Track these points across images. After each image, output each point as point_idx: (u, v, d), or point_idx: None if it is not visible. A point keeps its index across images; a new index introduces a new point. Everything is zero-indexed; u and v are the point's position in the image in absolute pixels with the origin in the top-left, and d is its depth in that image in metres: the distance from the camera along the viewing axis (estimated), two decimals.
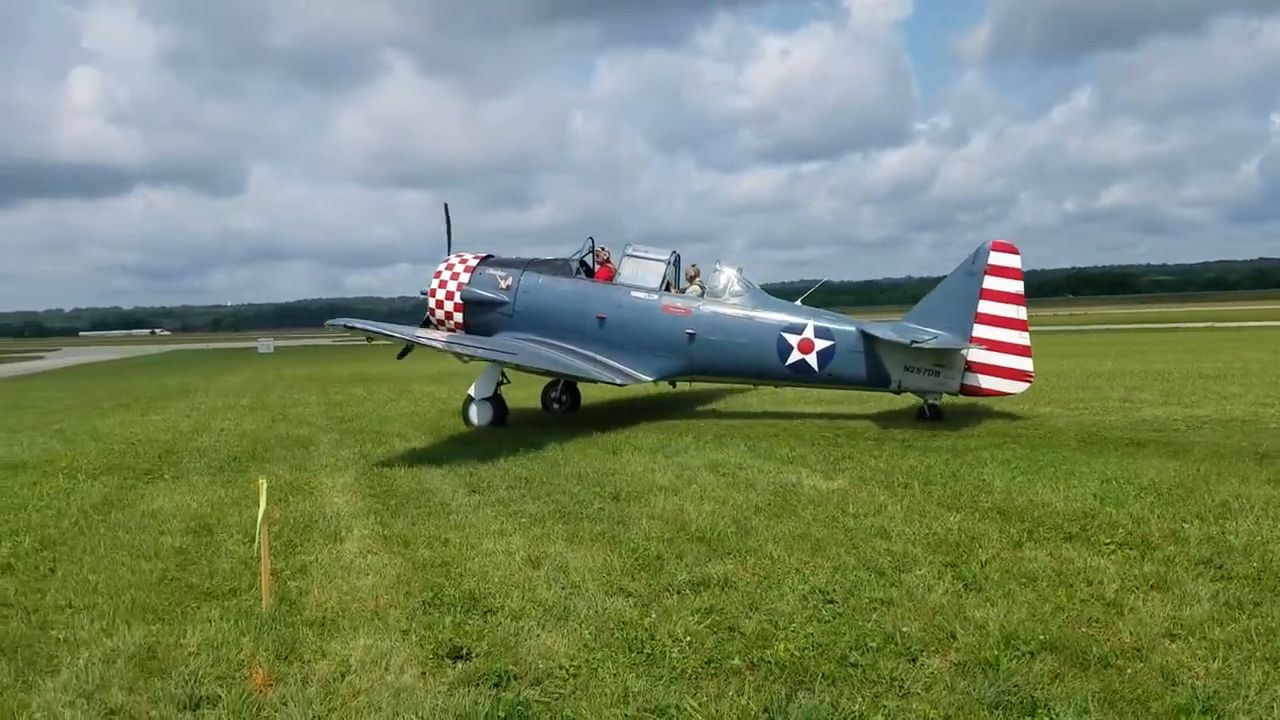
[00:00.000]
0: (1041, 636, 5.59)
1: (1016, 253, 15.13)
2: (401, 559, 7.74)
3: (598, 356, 16.67)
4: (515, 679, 5.21)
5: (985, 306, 15.01)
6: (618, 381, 16.55)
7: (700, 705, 4.86)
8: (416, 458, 13.06)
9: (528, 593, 6.68)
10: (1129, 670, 5.14)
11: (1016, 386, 15.25)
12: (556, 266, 17.73)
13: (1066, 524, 8.31)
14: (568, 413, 18.76)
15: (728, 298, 16.64)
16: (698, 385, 19.65)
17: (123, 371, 40.80)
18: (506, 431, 15.75)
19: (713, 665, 5.38)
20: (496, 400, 16.73)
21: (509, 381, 17.24)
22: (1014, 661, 5.28)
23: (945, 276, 16.64)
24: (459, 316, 17.85)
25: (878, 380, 15.75)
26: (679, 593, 6.66)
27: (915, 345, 14.82)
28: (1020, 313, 15.06)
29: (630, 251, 17.38)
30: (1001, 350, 14.96)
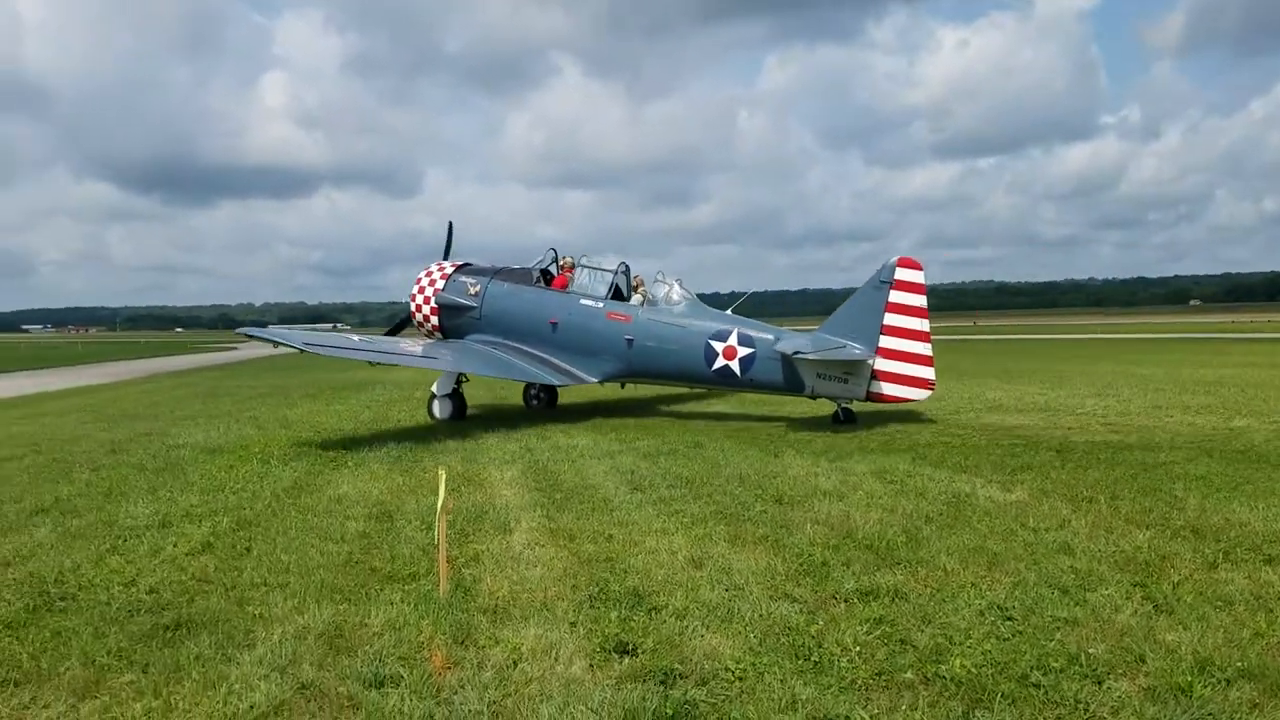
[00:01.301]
0: (1238, 663, 5.23)
1: (920, 268, 16.29)
2: (567, 552, 7.89)
3: (548, 357, 18.25)
4: (681, 678, 5.22)
5: (890, 319, 16.10)
6: (554, 381, 18.18)
7: (871, 717, 4.75)
8: (579, 453, 13.31)
9: (691, 592, 6.69)
10: None
11: (918, 394, 16.34)
12: (520, 275, 19.28)
13: (1266, 545, 7.71)
14: (546, 408, 20.40)
15: (664, 307, 18.03)
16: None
17: (309, 363, 43.29)
18: (667, 430, 15.89)
19: (884, 677, 5.25)
20: (456, 396, 18.35)
21: (467, 380, 18.68)
22: (1208, 689, 4.95)
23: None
24: (435, 320, 19.72)
25: (793, 385, 16.85)
26: (846, 601, 6.53)
27: (797, 356, 16.19)
28: (923, 325, 16.20)
29: (583, 262, 19.03)
30: (905, 360, 16.06)
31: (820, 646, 5.64)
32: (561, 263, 19.20)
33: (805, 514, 9.14)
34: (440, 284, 19.60)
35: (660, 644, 5.69)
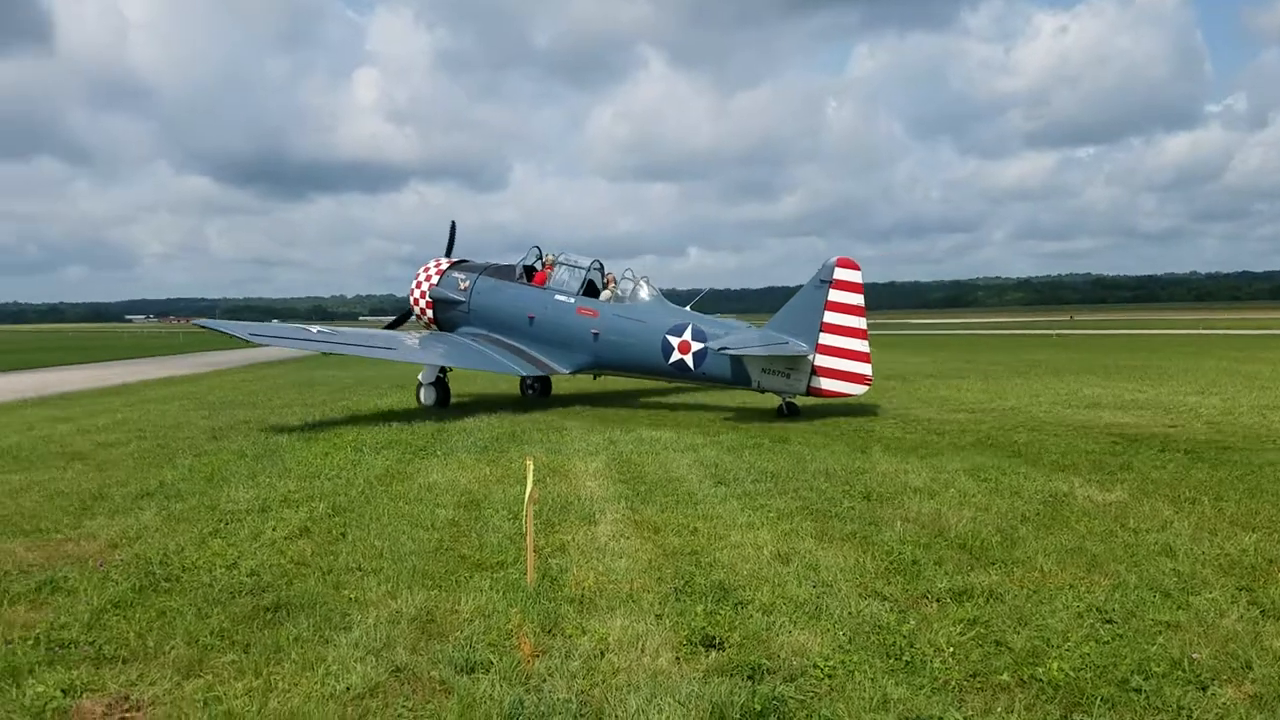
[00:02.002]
0: None
1: (858, 268, 16.76)
2: (652, 545, 7.90)
3: (523, 349, 19.43)
4: (769, 673, 5.18)
5: (830, 317, 16.60)
6: (521, 372, 19.19)
7: (965, 719, 4.64)
8: (663, 446, 13.30)
9: (778, 588, 6.62)
10: None
11: (856, 389, 16.81)
12: (505, 271, 20.46)
13: None
14: (540, 396, 21.62)
15: (629, 303, 18.97)
16: (949, 390, 19.05)
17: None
18: (751, 425, 15.80)
19: (978, 679, 5.13)
20: (440, 385, 19.63)
21: (451, 369, 19.72)
22: None
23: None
24: (430, 313, 21.15)
25: (740, 379, 17.51)
26: (939, 600, 6.40)
27: (722, 351, 17.04)
28: (860, 322, 16.66)
29: (562, 259, 19.98)
30: (843, 356, 16.58)
31: (912, 646, 5.54)
32: (545, 260, 20.23)
33: (895, 511, 8.98)
34: (435, 279, 20.94)
35: (747, 639, 5.65)
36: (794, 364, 16.76)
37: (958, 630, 5.78)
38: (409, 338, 19.81)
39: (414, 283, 21.34)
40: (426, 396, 19.58)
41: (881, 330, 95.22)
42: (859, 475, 10.85)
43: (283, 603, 6.33)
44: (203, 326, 18.50)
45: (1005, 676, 5.14)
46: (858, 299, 16.70)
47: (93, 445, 13.90)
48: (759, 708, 4.69)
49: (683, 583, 6.75)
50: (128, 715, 4.67)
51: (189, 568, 7.22)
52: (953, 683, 5.07)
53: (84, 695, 4.89)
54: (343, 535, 8.28)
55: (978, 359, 37.56)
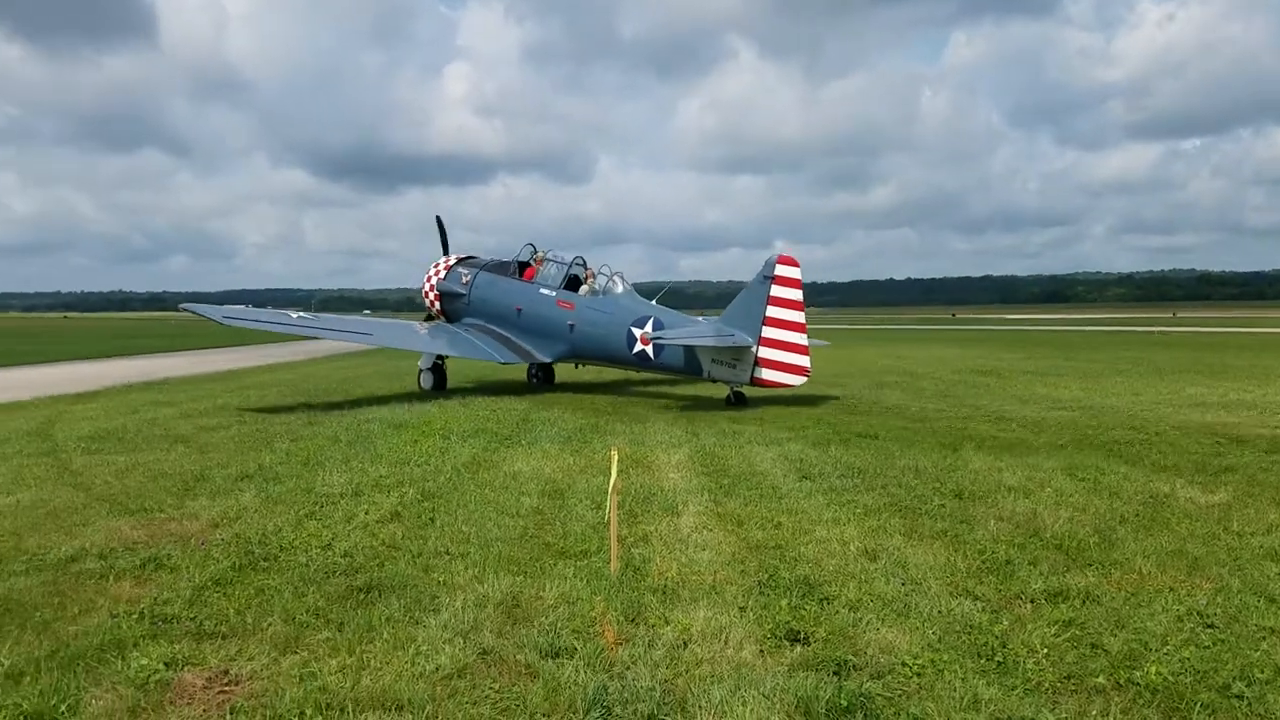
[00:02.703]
0: None
1: (797, 265, 17.61)
2: (735, 537, 7.86)
3: (511, 338, 20.98)
4: (855, 669, 5.11)
5: (771, 311, 17.48)
6: (500, 359, 20.32)
7: None
8: (746, 439, 13.23)
9: (865, 584, 6.53)
10: None
11: (795, 379, 17.62)
12: (502, 267, 22.16)
13: None
14: (543, 384, 23.00)
15: (602, 296, 20.33)
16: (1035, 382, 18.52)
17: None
18: (837, 420, 15.60)
19: (1073, 681, 4.99)
20: (437, 370, 21.15)
21: (446, 356, 21.07)
22: None
23: None
24: (438, 305, 23.10)
25: (693, 369, 18.64)
26: (1033, 601, 6.24)
27: (673, 342, 18.37)
28: (799, 316, 17.58)
29: (549, 255, 21.62)
30: (783, 349, 17.45)
31: (1005, 647, 5.41)
32: (536, 256, 21.90)
33: (988, 510, 8.77)
34: (443, 275, 22.90)
35: (833, 634, 5.58)
36: (739, 355, 17.73)
37: (1052, 632, 5.65)
38: (397, 325, 22.45)
39: (425, 278, 23.27)
40: (425, 381, 21.14)
41: (973, 325, 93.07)
42: (950, 472, 10.62)
43: (374, 584, 6.48)
44: (189, 310, 19.79)
45: (1101, 679, 5.00)
46: (797, 294, 17.62)
47: (194, 429, 14.44)
48: (845, 703, 4.62)
49: (767, 576, 6.70)
50: (227, 689, 4.83)
51: (286, 548, 7.44)
52: (1046, 684, 4.95)
53: (185, 669, 5.07)
54: (431, 520, 8.44)
55: (1076, 356, 36.43)
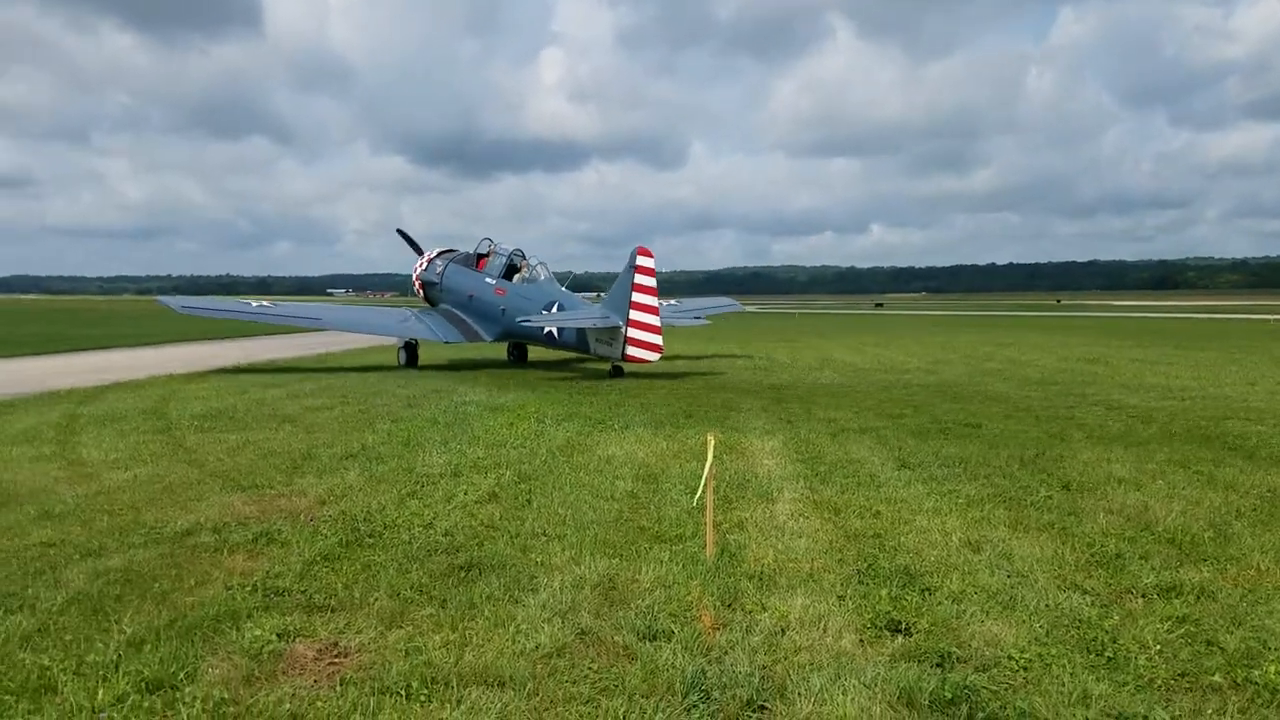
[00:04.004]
0: None
1: (652, 256, 20.43)
2: (832, 525, 7.76)
3: (466, 320, 23.92)
4: (959, 662, 4.99)
5: (635, 296, 20.13)
6: (447, 339, 23.26)
7: (1173, 718, 4.35)
8: (841, 427, 13.06)
9: (968, 576, 6.38)
10: None
11: (651, 355, 20.41)
12: (466, 259, 25.28)
13: None
14: (517, 363, 26.00)
15: (527, 285, 23.34)
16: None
17: None
18: (937, 408, 15.27)
19: (1187, 679, 4.81)
20: (408, 348, 24.47)
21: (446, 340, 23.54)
22: None
23: None
24: (423, 293, 26.48)
25: (584, 347, 21.30)
26: (1144, 596, 6.01)
27: (521, 323, 21.74)
28: (654, 301, 20.35)
29: (497, 248, 24.66)
30: (643, 329, 20.20)
31: (1115, 642, 5.23)
32: (490, 249, 24.86)
33: (1096, 502, 8.49)
34: (425, 266, 26.32)
35: (935, 626, 5.47)
36: (613, 335, 20.47)
37: (1165, 628, 5.44)
38: (350, 310, 27.62)
39: (414, 270, 26.92)
40: (400, 358, 24.59)
41: (1079, 312, 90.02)
42: (1057, 463, 10.31)
43: (475, 562, 6.60)
44: (159, 303, 23.27)
45: (1217, 678, 4.80)
46: (652, 282, 20.27)
47: (301, 409, 14.91)
48: (949, 695, 4.53)
49: (865, 565, 6.61)
50: (336, 661, 4.98)
51: (389, 525, 7.64)
52: (1159, 681, 4.78)
53: (297, 640, 5.23)
54: (528, 502, 8.55)
55: (1187, 344, 34.95)
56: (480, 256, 24.94)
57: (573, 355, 23.54)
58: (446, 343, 23.58)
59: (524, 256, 24.15)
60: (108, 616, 5.49)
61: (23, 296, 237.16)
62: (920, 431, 12.58)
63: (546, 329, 21.74)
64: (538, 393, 17.69)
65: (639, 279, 20.10)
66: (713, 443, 7.03)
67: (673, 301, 31.66)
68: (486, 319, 23.76)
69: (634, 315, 20.11)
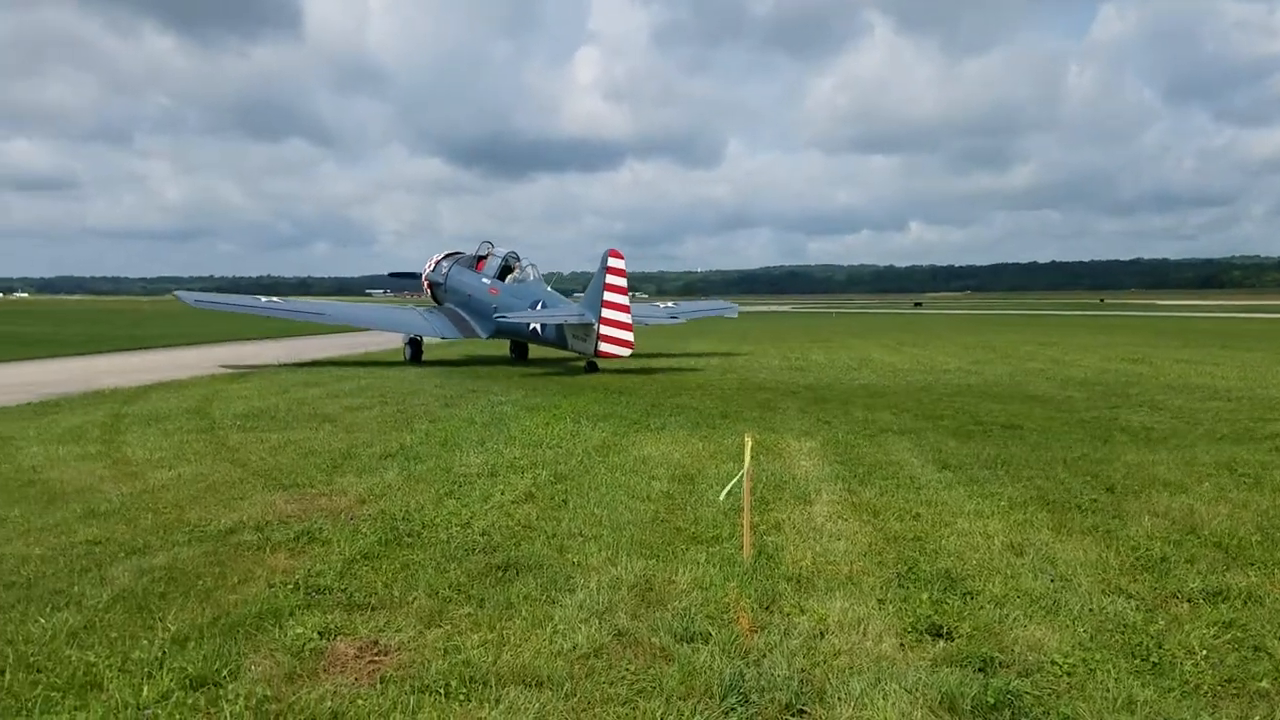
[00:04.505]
0: None
1: (622, 257, 21.98)
2: (871, 528, 7.70)
3: (465, 319, 25.70)
4: (1002, 667, 4.93)
5: (607, 295, 21.66)
6: (448, 336, 25.78)
7: None
8: (880, 428, 12.95)
9: (1011, 580, 6.30)
10: None
11: (623, 351, 21.97)
12: (467, 260, 27.25)
13: None
14: (519, 360, 27.08)
15: (517, 285, 25.16)
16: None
17: None
18: (978, 409, 15.11)
19: (1234, 685, 4.72)
20: (413, 344, 26.44)
21: (442, 336, 26.08)
22: None
23: None
24: (430, 292, 28.70)
25: (563, 343, 22.89)
26: (1190, 601, 5.90)
27: (498, 319, 24.08)
28: (624, 299, 21.98)
29: (493, 251, 26.62)
30: (615, 326, 21.67)
31: (1160, 647, 5.15)
32: (489, 251, 26.75)
33: (1141, 505, 8.35)
34: (432, 268, 28.45)
35: (977, 630, 5.40)
36: (587, 331, 21.93)
37: (1212, 633, 5.34)
38: (356, 307, 29.63)
39: (423, 271, 29.08)
40: (405, 353, 26.42)
41: (1122, 312, 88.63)
42: (1100, 466, 10.15)
43: (512, 562, 6.62)
44: (176, 298, 25.47)
45: (1265, 684, 4.71)
46: (622, 281, 21.79)
47: (340, 409, 15.07)
48: (992, 701, 4.47)
49: (906, 569, 6.54)
50: (377, 659, 5.01)
51: (428, 525, 7.69)
52: (1205, 687, 4.69)
53: (338, 638, 5.28)
54: (564, 502, 8.56)
55: (1233, 343, 34.29)
56: (480, 258, 26.88)
57: (568, 354, 24.47)
58: (444, 339, 25.88)
59: (518, 258, 26.10)
60: (152, 614, 5.57)
61: (67, 297, 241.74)
62: (961, 432, 12.45)
63: (532, 325, 23.38)
64: (573, 394, 17.72)
65: (610, 279, 21.63)
66: (749, 443, 7.00)
67: (670, 304, 35.85)
68: (482, 317, 25.34)
69: (606, 313, 21.66)
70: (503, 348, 29.09)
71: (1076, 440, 11.86)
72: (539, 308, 23.64)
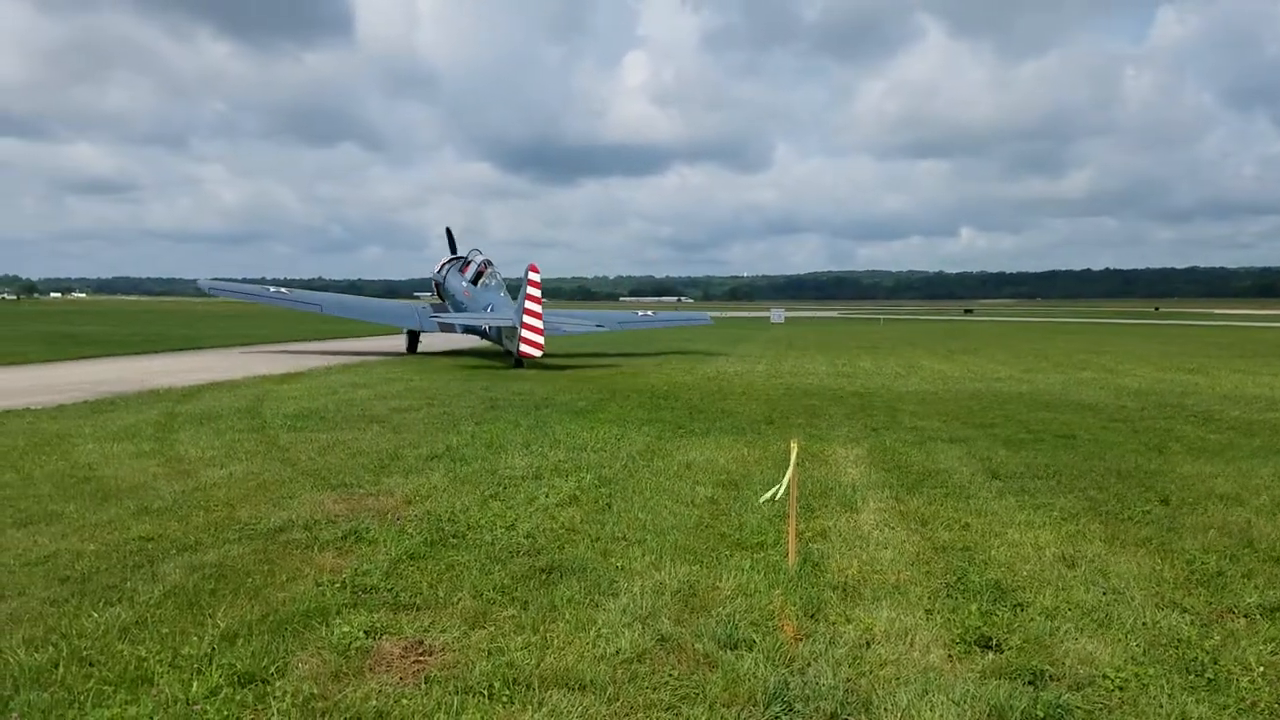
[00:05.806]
0: None
1: (538, 272, 25.36)
2: (919, 537, 7.60)
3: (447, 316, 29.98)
4: (1052, 680, 4.83)
5: (526, 304, 25.15)
6: (426, 329, 30.28)
7: None
8: (929, 436, 12.79)
9: (1062, 592, 6.18)
10: None
11: (535, 351, 25.10)
12: (461, 265, 31.34)
13: None
14: (513, 366, 27.73)
15: (483, 290, 29.34)
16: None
17: (653, 336, 45.22)
18: (1029, 417, 14.86)
19: None
20: (411, 336, 31.17)
21: (422, 329, 30.66)
22: None
23: None
24: (435, 292, 33.05)
25: (500, 341, 27.08)
26: (1247, 616, 5.75)
27: (432, 318, 29.67)
28: (539, 308, 25.36)
29: (473, 256, 31.09)
30: (531, 330, 24.97)
31: (1216, 663, 5.02)
32: (474, 258, 30.88)
33: (1197, 518, 8.15)
34: (438, 270, 32.76)
35: (1027, 642, 5.30)
36: (513, 333, 25.40)
37: (1269, 649, 5.21)
38: (358, 300, 35.74)
39: (433, 272, 33.14)
40: (406, 345, 31.02)
41: (1178, 321, 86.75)
42: (1155, 477, 9.94)
43: (555, 565, 6.63)
44: (196, 285, 31.35)
45: None
46: (537, 292, 25.18)
47: (388, 410, 15.22)
48: (1041, 714, 4.39)
49: (954, 579, 6.44)
50: (421, 659, 5.04)
51: (473, 526, 7.73)
52: (1262, 705, 4.57)
53: (384, 637, 5.32)
54: (608, 506, 8.56)
55: None
56: (466, 263, 31.10)
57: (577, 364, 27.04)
58: (424, 330, 30.29)
59: (489, 265, 30.49)
60: (202, 610, 5.66)
61: (125, 298, 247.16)
62: (1012, 441, 12.26)
63: (483, 325, 28.16)
64: (618, 398, 17.73)
65: (530, 290, 25.14)
66: (795, 449, 6.94)
67: (648, 312, 39.73)
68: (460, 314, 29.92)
69: (526, 319, 25.10)
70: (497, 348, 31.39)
71: (1130, 450, 11.62)
72: (489, 311, 27.99)
